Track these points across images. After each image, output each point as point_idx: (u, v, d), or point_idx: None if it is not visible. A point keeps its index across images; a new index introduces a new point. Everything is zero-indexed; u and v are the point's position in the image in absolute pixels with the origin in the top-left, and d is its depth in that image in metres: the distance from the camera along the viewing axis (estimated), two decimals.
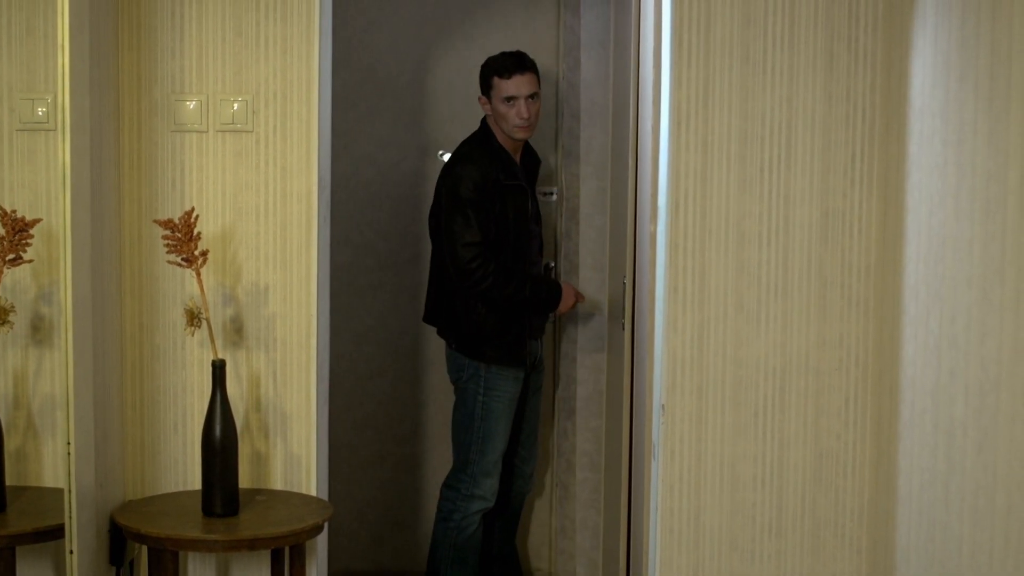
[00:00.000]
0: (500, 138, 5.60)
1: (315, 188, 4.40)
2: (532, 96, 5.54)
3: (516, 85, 5.50)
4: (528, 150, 5.81)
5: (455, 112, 6.21)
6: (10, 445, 4.10)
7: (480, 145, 5.60)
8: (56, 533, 4.00)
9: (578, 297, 5.78)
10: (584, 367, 6.18)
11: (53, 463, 4.13)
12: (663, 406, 4.37)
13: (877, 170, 4.29)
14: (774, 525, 4.41)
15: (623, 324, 5.35)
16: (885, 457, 4.21)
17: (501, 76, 5.51)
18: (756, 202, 4.31)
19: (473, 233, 5.41)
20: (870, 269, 4.32)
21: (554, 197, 6.15)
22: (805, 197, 4.31)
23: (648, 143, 4.85)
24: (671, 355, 4.33)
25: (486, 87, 5.58)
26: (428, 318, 5.78)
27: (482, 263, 5.42)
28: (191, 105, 4.39)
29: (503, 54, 5.57)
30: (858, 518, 4.39)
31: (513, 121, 5.53)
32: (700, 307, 4.33)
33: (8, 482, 4.07)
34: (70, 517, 3.97)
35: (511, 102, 5.51)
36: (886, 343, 4.21)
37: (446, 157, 6.16)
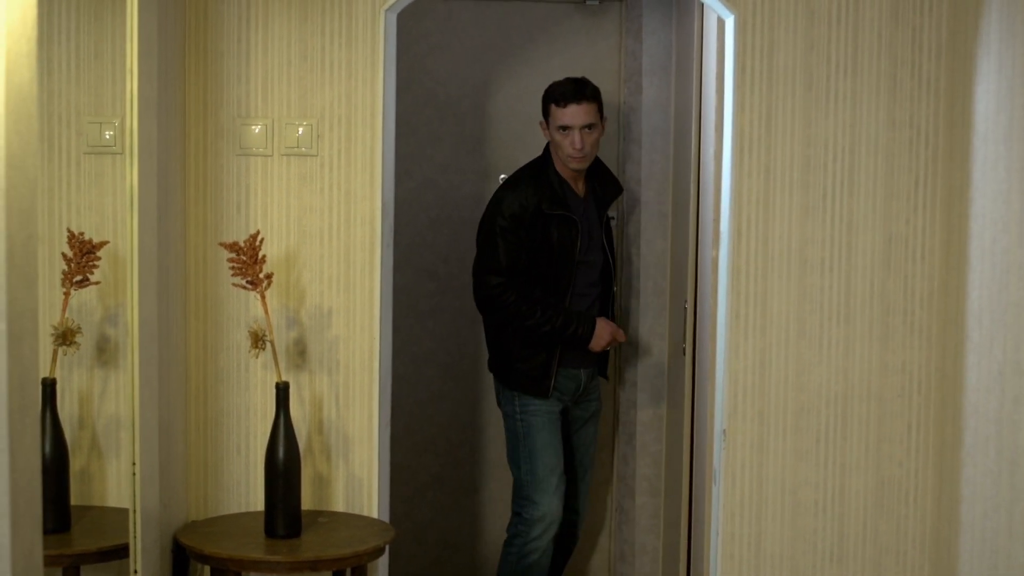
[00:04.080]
0: (558, 165, 5.45)
1: (378, 212, 4.43)
2: (588, 127, 5.35)
3: (572, 115, 5.33)
4: (605, 177, 5.67)
5: (516, 137, 6.22)
6: (75, 465, 4.12)
7: (533, 171, 5.48)
8: (120, 553, 4.02)
9: (615, 336, 5.53)
10: (644, 391, 6.17)
11: (117, 483, 4.15)
12: (725, 431, 4.37)
13: (940, 196, 4.28)
14: (835, 552, 4.40)
15: (684, 349, 5.35)
16: (948, 484, 4.18)
17: (558, 104, 5.35)
18: (819, 228, 4.31)
19: (498, 260, 5.32)
20: (933, 295, 4.30)
21: (614, 221, 6.15)
22: (868, 223, 4.31)
23: (710, 169, 4.85)
24: (733, 381, 4.33)
25: (545, 113, 5.44)
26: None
27: (502, 291, 5.33)
28: (256, 129, 4.43)
29: (565, 80, 5.42)
30: (920, 546, 4.37)
31: (567, 151, 5.36)
32: (762, 333, 4.33)
33: (73, 501, 4.09)
34: (134, 537, 3.99)
35: (566, 131, 5.34)
36: (949, 370, 4.19)
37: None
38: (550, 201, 5.36)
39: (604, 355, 5.74)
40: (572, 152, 5.35)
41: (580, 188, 5.50)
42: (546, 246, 5.37)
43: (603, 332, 5.46)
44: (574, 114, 5.32)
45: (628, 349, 6.13)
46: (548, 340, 5.41)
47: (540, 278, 5.40)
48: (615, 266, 5.79)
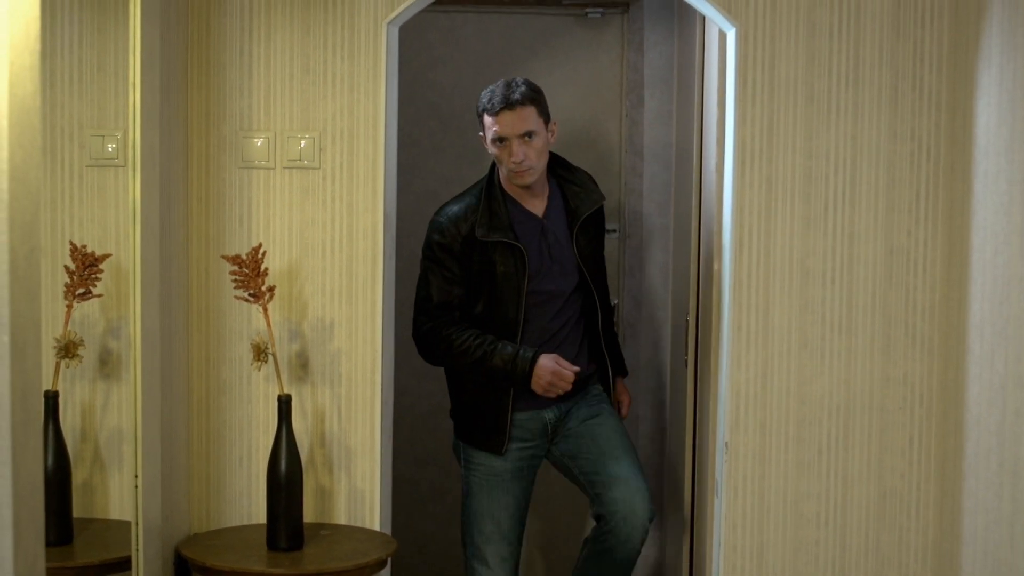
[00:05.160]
0: (503, 181, 4.75)
1: (380, 225, 4.43)
2: (528, 135, 4.59)
3: (505, 124, 4.58)
4: (583, 186, 4.87)
5: None
6: (77, 477, 4.12)
7: (474, 189, 4.79)
8: (122, 565, 4.02)
9: (558, 377, 4.63)
10: (646, 403, 6.17)
11: (119, 496, 4.15)
12: (727, 443, 4.37)
13: (942, 208, 4.28)
14: (837, 564, 4.39)
15: (685, 361, 5.35)
16: (949, 497, 4.18)
17: (488, 113, 4.63)
18: (820, 240, 4.31)
19: (429, 297, 4.70)
20: (935, 307, 4.30)
21: (616, 234, 6.15)
22: (869, 235, 4.31)
23: (712, 181, 4.85)
24: (735, 392, 4.33)
25: (480, 124, 4.73)
26: None
27: (422, 322, 4.72)
28: (259, 142, 4.43)
29: (496, 85, 4.69)
30: (922, 558, 4.37)
31: (507, 165, 4.64)
32: (764, 344, 4.33)
33: (75, 514, 4.09)
34: (137, 550, 3.99)
35: (502, 143, 4.61)
36: (951, 382, 4.19)
37: None
38: (487, 226, 4.65)
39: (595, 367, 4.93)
40: (511, 166, 4.62)
41: (536, 204, 4.77)
42: (488, 278, 4.68)
43: (543, 371, 4.62)
44: (508, 122, 4.58)
45: (630, 361, 6.13)
46: (479, 377, 4.70)
47: (487, 318, 4.71)
48: (602, 289, 4.95)
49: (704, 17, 5.10)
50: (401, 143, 4.98)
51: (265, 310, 4.22)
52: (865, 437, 4.37)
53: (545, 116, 4.68)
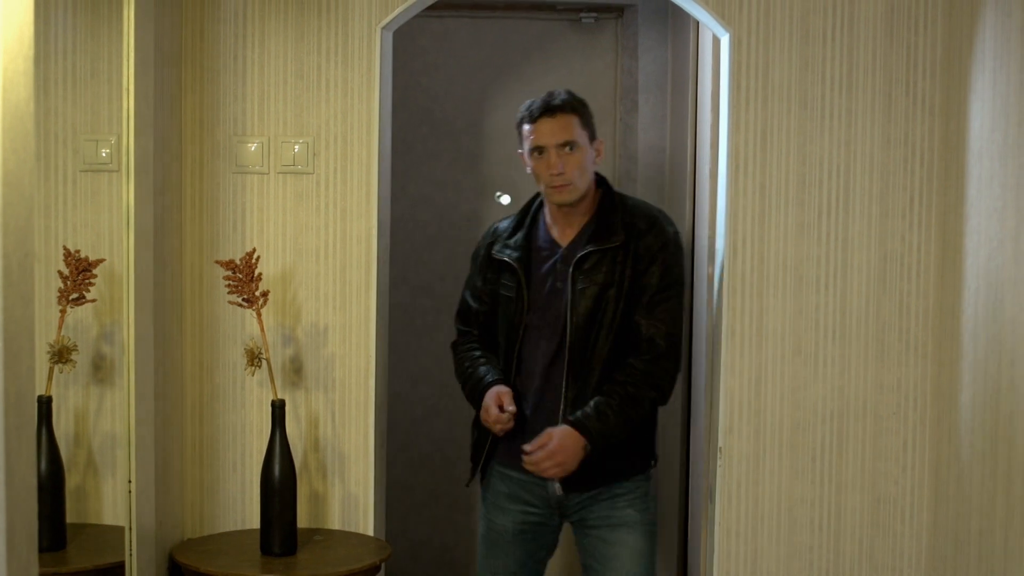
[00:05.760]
0: (547, 204, 4.28)
1: (374, 230, 4.43)
2: (567, 145, 4.13)
3: (543, 132, 4.15)
4: (609, 224, 4.18)
5: (512, 154, 6.20)
6: (71, 482, 4.12)
7: (521, 209, 4.38)
8: (116, 570, 4.02)
9: (495, 417, 4.13)
10: None
11: (113, 501, 4.15)
12: (721, 449, 4.37)
13: (935, 214, 4.28)
14: (831, 569, 4.39)
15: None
16: (943, 502, 4.19)
17: (527, 121, 4.21)
18: (814, 245, 4.31)
19: (462, 301, 4.44)
20: (928, 312, 4.31)
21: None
22: (863, 241, 4.31)
23: (706, 187, 4.86)
24: (729, 398, 4.33)
25: (520, 139, 4.27)
26: None
27: (457, 341, 4.43)
28: (252, 147, 4.43)
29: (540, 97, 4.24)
30: (916, 564, 4.37)
31: (544, 179, 4.17)
32: (758, 350, 4.33)
33: (68, 519, 4.09)
34: (130, 555, 3.99)
35: (541, 154, 4.15)
36: (944, 387, 4.19)
37: (503, 199, 6.19)
38: (503, 243, 4.30)
39: (597, 466, 4.12)
40: (547, 179, 4.15)
41: (566, 233, 4.24)
42: (500, 301, 4.31)
43: (488, 406, 4.18)
44: (546, 130, 4.15)
45: None
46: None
47: (495, 344, 4.34)
48: (583, 348, 4.14)
49: (698, 22, 5.10)
50: (395, 148, 4.97)
51: (259, 315, 4.22)
52: (859, 442, 4.37)
53: (590, 130, 4.22)
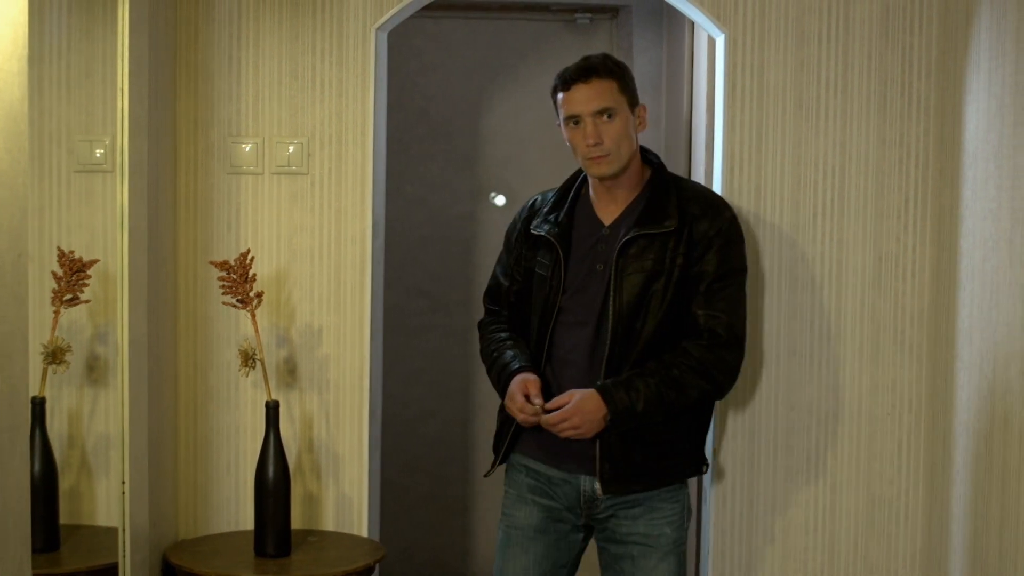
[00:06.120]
0: (589, 178, 3.96)
1: (369, 231, 4.42)
2: (605, 113, 3.79)
3: (578, 99, 3.81)
4: (661, 205, 3.85)
5: (507, 155, 6.22)
6: (64, 484, 4.11)
7: (562, 183, 4.06)
8: (110, 572, 4.01)
9: (517, 402, 3.81)
10: None
11: (107, 502, 4.15)
12: (715, 450, 4.37)
13: (931, 215, 4.28)
14: (826, 570, 4.39)
15: None
16: (938, 503, 4.18)
17: (561, 89, 3.87)
18: (809, 246, 4.31)
19: (492, 277, 4.15)
20: (923, 313, 4.30)
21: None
22: (858, 242, 4.31)
23: None
24: (724, 399, 4.33)
25: (556, 109, 3.93)
26: None
27: (485, 319, 4.16)
28: (247, 148, 4.42)
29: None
30: (911, 565, 4.36)
31: (581, 151, 3.83)
32: (753, 351, 4.32)
33: (62, 520, 4.08)
34: (124, 556, 3.98)
35: (577, 124, 3.81)
36: (939, 388, 4.19)
37: (497, 200, 6.18)
38: (541, 217, 3.98)
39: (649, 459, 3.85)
40: (585, 151, 3.81)
41: (610, 211, 3.92)
42: (533, 280, 3.99)
43: (513, 394, 3.86)
44: (581, 97, 3.81)
45: None
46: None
47: (526, 326, 4.02)
48: (625, 338, 3.81)
49: (693, 23, 5.10)
50: (390, 149, 4.97)
51: (253, 316, 4.21)
52: (854, 444, 4.37)
53: (630, 96, 3.85)
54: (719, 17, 4.30)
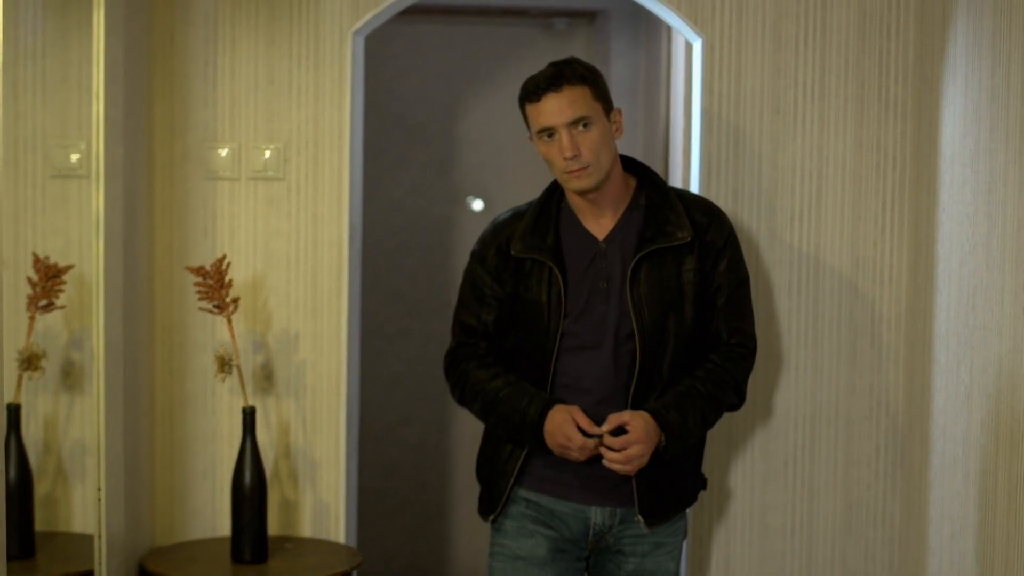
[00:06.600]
0: (569, 196, 3.69)
1: (346, 236, 4.41)
2: (581, 123, 3.52)
3: (551, 109, 3.53)
4: (663, 216, 3.64)
5: (484, 160, 6.22)
6: (40, 490, 4.10)
7: (535, 202, 3.75)
8: None
9: (570, 439, 3.52)
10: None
11: (83, 509, 4.13)
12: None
13: (908, 219, 4.29)
14: (804, 575, 4.39)
15: None
16: (916, 507, 4.19)
17: (531, 100, 3.57)
18: (786, 251, 4.31)
19: (457, 315, 3.81)
20: (901, 318, 4.31)
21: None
22: (835, 246, 4.31)
23: None
24: None
25: (526, 121, 3.66)
26: None
27: (450, 349, 3.84)
28: (223, 153, 4.41)
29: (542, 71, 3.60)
30: (888, 569, 4.37)
31: (558, 165, 3.56)
32: None
33: (37, 527, 4.07)
34: (99, 563, 3.96)
35: (550, 137, 3.55)
36: (917, 392, 4.20)
37: (475, 204, 6.18)
38: (525, 239, 3.66)
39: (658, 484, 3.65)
40: (562, 164, 3.55)
41: (601, 224, 3.67)
42: (520, 306, 3.69)
43: (554, 429, 3.54)
44: (554, 107, 3.53)
45: None
46: (503, 433, 3.70)
47: (516, 357, 3.72)
48: (652, 359, 3.61)
49: (670, 28, 5.10)
50: (366, 153, 4.96)
51: (229, 321, 4.20)
52: (831, 448, 4.37)
53: (605, 101, 3.59)
54: (696, 22, 4.31)
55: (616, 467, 3.49)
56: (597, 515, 3.65)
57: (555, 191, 3.72)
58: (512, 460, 3.68)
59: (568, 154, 3.50)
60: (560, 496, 3.66)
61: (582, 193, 3.60)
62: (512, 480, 3.68)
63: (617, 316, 3.59)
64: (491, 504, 3.75)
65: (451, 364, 3.82)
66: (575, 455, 3.52)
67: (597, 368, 3.61)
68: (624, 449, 3.47)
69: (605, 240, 3.64)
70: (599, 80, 3.60)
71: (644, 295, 3.57)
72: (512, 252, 3.65)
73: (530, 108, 3.57)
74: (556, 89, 3.51)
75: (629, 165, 3.73)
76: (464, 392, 3.75)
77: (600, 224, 3.65)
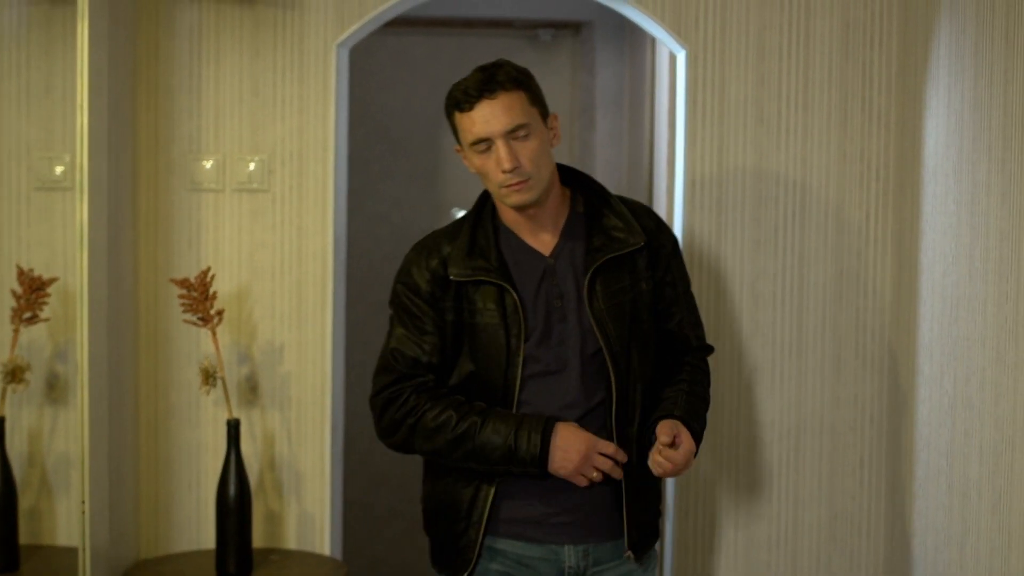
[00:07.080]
0: (499, 207, 3.43)
1: (330, 247, 4.41)
2: (520, 132, 3.25)
3: (484, 119, 3.26)
4: (610, 225, 3.39)
5: (468, 172, 6.21)
6: (24, 503, 4.09)
7: (461, 221, 3.51)
8: None
9: (592, 452, 3.26)
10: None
11: (67, 521, 4.12)
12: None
13: (891, 230, 4.30)
14: None
15: None
16: (900, 518, 4.19)
17: (462, 109, 3.30)
18: (770, 261, 4.32)
19: (386, 352, 3.52)
20: (884, 328, 4.32)
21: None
22: (819, 257, 4.32)
23: (663, 203, 4.86)
24: None
25: (455, 131, 3.39)
26: None
27: (382, 386, 3.56)
28: (208, 165, 4.41)
29: (468, 75, 3.34)
30: None
31: (494, 178, 3.29)
32: (715, 367, 4.32)
33: (22, 540, 4.07)
34: None
35: (486, 149, 3.29)
36: (900, 403, 4.20)
37: (460, 214, 6.18)
38: (463, 261, 3.36)
39: (639, 510, 3.40)
40: (500, 177, 3.27)
41: (543, 240, 3.40)
42: (469, 335, 3.37)
43: (570, 446, 3.25)
44: (488, 116, 3.25)
45: None
46: (479, 465, 3.34)
47: (467, 393, 3.39)
48: (625, 377, 3.35)
49: (655, 39, 5.11)
50: (351, 166, 4.96)
51: (214, 334, 4.20)
52: (816, 459, 4.37)
53: (541, 107, 3.33)
54: (680, 33, 4.31)
55: (660, 471, 3.23)
56: (571, 556, 3.35)
57: (486, 205, 3.46)
58: (479, 503, 3.38)
59: (507, 166, 3.23)
60: (535, 540, 3.36)
61: (521, 208, 3.33)
62: (483, 527, 3.37)
63: (579, 335, 3.32)
64: (457, 558, 3.46)
65: (390, 401, 3.50)
66: (593, 475, 3.26)
67: (565, 393, 3.32)
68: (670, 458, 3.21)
69: (552, 255, 3.37)
70: (533, 84, 3.33)
71: (605, 309, 3.32)
72: (451, 276, 3.35)
73: (460, 118, 3.30)
74: (490, 95, 3.24)
75: (561, 173, 3.46)
76: (415, 430, 3.42)
77: (541, 240, 3.39)
